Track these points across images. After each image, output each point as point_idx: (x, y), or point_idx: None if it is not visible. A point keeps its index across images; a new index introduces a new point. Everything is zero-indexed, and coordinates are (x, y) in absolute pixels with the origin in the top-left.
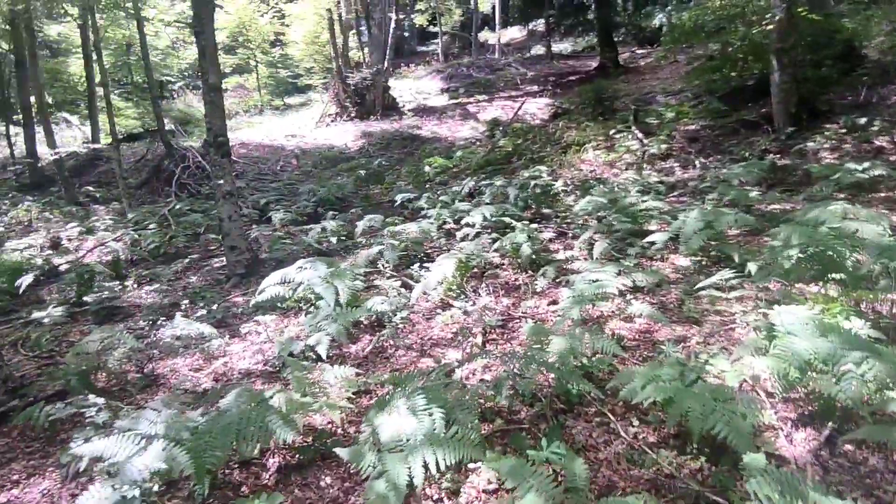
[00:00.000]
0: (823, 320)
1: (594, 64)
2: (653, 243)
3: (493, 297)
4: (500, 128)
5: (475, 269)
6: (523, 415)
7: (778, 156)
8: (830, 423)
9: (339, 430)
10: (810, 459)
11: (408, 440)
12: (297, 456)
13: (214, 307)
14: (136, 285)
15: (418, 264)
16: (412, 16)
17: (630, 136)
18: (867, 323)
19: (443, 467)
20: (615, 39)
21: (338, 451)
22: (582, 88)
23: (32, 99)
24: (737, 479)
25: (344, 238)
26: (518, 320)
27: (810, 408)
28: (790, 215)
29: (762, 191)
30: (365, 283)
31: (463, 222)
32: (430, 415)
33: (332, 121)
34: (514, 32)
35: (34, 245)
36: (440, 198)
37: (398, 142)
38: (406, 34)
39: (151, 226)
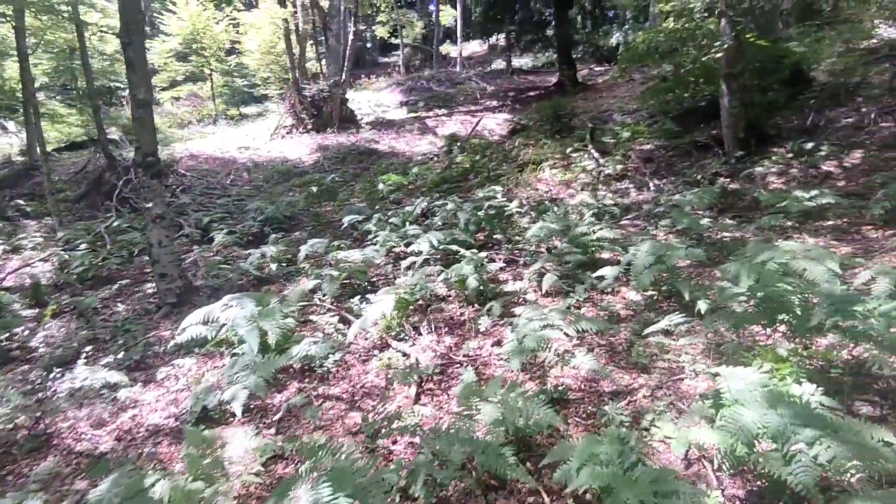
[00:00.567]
0: (773, 387)
1: (554, 80)
2: (602, 278)
3: (436, 336)
4: (458, 143)
5: (420, 302)
6: (450, 491)
7: (728, 180)
8: None
9: None
10: None
11: None
12: None
13: (135, 345)
14: (50, 318)
15: (359, 296)
16: (373, 27)
17: (586, 156)
18: (819, 389)
19: None
20: (574, 56)
21: None
22: (540, 105)
23: None
24: None
25: (285, 263)
26: (458, 365)
27: (759, 483)
28: (739, 251)
29: (713, 216)
30: (300, 318)
31: (409, 249)
32: None
33: (288, 133)
34: (476, 46)
35: None
36: (390, 219)
37: (354, 156)
38: (368, 45)
39: (83, 245)
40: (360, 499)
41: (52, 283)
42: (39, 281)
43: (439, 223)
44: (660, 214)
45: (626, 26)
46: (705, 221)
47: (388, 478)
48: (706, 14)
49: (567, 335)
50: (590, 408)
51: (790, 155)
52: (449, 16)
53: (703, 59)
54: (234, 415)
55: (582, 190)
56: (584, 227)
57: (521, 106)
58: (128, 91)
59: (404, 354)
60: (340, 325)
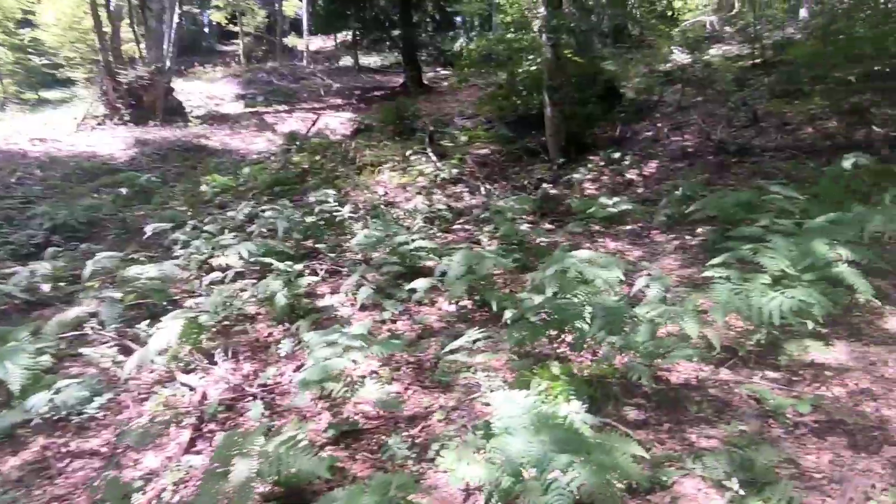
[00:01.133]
0: (541, 409)
1: (400, 80)
2: (414, 290)
3: (234, 363)
4: (298, 142)
5: (226, 323)
6: None
7: (551, 185)
8: None
9: None
10: None
11: None
12: None
13: None
14: None
15: (148, 321)
16: (206, 11)
17: (425, 159)
18: (584, 406)
19: None
20: (421, 59)
21: None
22: (384, 105)
23: None
24: None
25: (65, 283)
26: (252, 398)
27: None
28: (545, 259)
29: (535, 220)
30: (65, 353)
31: (216, 264)
32: None
33: (100, 124)
34: (324, 41)
35: None
36: (206, 227)
37: (179, 153)
38: (205, 30)
39: None
40: None
41: None
42: None
43: (264, 231)
44: (487, 219)
45: (474, 33)
46: (524, 227)
47: None
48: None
49: (355, 362)
50: (384, 437)
51: (602, 163)
52: (295, 6)
53: (530, 70)
54: None
55: (419, 193)
56: (404, 237)
57: (366, 105)
58: None
59: (191, 388)
60: (122, 358)
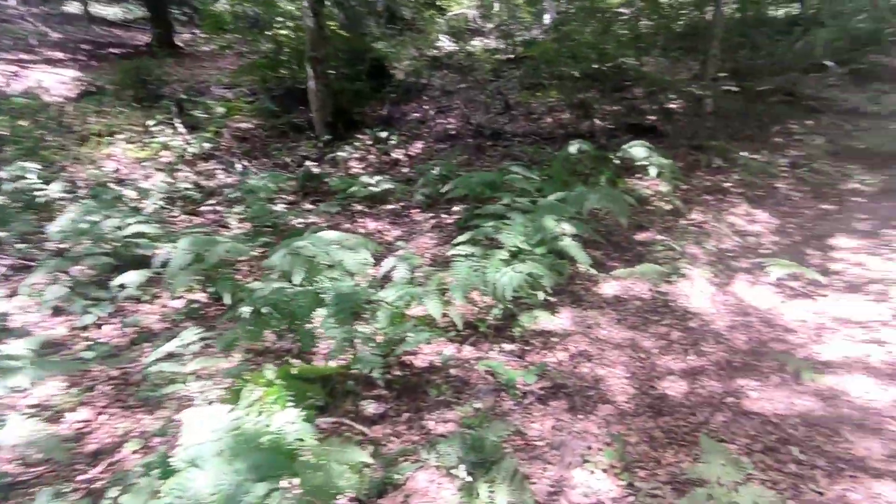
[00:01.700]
0: (245, 427)
1: (147, 39)
2: (123, 286)
3: None
4: None
5: None
6: None
7: (315, 163)
8: None
9: None
10: None
11: None
12: None
13: None
14: None
15: None
16: None
17: (172, 131)
18: (301, 414)
19: None
20: (173, 16)
21: None
22: (124, 66)
23: None
24: None
25: None
26: None
27: None
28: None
29: (295, 200)
30: None
31: None
32: None
33: None
34: None
35: None
36: None
37: None
38: None
39: None
40: None
41: None
42: None
43: None
44: (237, 200)
45: None
46: (282, 207)
47: None
48: None
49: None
50: (47, 487)
51: (370, 142)
52: None
53: (290, 38)
54: None
55: (160, 170)
56: (117, 220)
57: (99, 63)
58: None
59: None
60: None
